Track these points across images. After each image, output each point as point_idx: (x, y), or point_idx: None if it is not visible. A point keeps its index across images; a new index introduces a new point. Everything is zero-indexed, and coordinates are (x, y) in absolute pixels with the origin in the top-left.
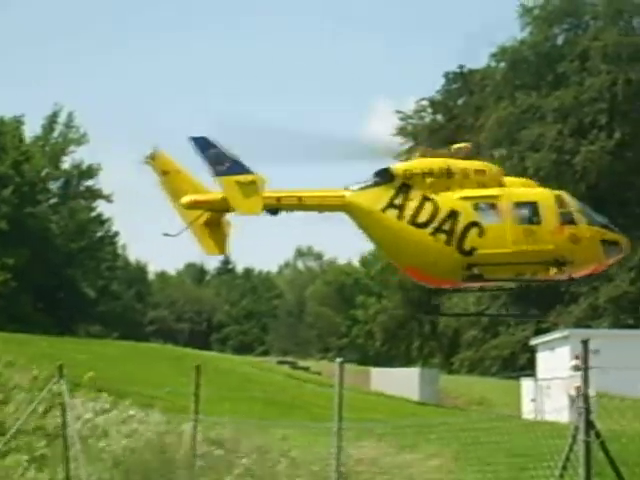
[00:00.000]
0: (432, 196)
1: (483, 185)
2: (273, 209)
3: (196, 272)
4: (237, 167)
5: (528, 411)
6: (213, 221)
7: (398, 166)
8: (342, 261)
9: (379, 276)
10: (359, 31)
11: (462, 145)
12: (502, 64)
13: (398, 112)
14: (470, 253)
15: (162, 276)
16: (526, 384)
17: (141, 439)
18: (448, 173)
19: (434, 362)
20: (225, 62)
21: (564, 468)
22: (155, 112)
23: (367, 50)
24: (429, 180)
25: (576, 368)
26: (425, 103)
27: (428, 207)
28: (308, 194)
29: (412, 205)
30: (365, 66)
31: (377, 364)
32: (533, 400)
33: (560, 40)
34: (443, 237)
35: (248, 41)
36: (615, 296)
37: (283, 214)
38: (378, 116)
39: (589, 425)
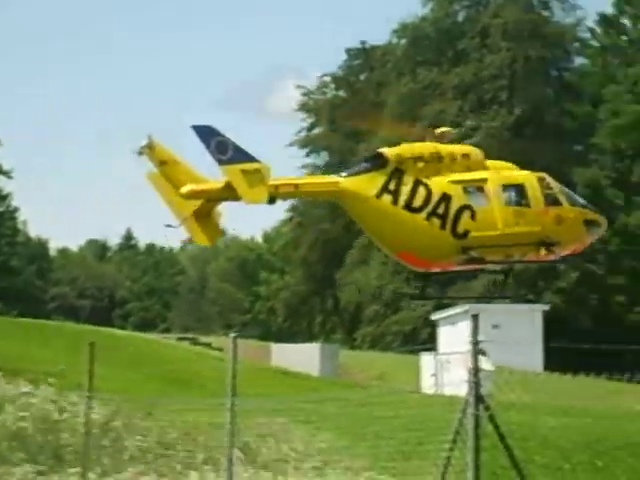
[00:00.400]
0: (424, 180)
1: (469, 169)
2: (271, 197)
3: (98, 248)
4: (241, 155)
5: (428, 386)
6: (205, 211)
7: (390, 151)
8: (245, 237)
9: (282, 252)
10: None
11: (445, 130)
12: (403, 40)
13: (300, 87)
14: (464, 236)
15: (63, 252)
16: (426, 359)
17: (33, 415)
18: (438, 157)
19: (336, 338)
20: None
21: (454, 441)
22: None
23: (269, 27)
24: (420, 165)
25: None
26: (327, 79)
27: (421, 191)
28: (304, 181)
29: (406, 190)
30: (267, 44)
31: (280, 340)
32: (433, 375)
33: (461, 17)
34: (437, 221)
35: None
36: (516, 271)
37: None
38: (281, 93)
39: (478, 398)
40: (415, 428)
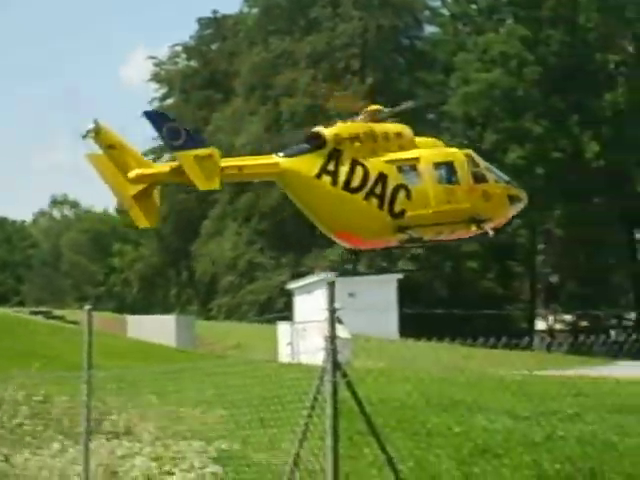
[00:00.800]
0: (361, 160)
1: (402, 147)
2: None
3: None
4: (193, 141)
5: (285, 354)
6: (147, 194)
7: (329, 131)
8: (98, 209)
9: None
10: None
11: (375, 107)
12: (255, 9)
13: (151, 58)
14: (400, 215)
15: None
16: (282, 328)
17: None
18: (373, 137)
19: (192, 309)
20: None
21: (312, 408)
22: None
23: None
24: (357, 144)
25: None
26: (179, 49)
27: (359, 172)
28: (247, 163)
29: (344, 170)
30: (119, 16)
31: (135, 312)
32: (289, 343)
33: None
34: (375, 201)
35: None
36: None
37: None
38: (135, 64)
39: (336, 365)
40: (272, 396)
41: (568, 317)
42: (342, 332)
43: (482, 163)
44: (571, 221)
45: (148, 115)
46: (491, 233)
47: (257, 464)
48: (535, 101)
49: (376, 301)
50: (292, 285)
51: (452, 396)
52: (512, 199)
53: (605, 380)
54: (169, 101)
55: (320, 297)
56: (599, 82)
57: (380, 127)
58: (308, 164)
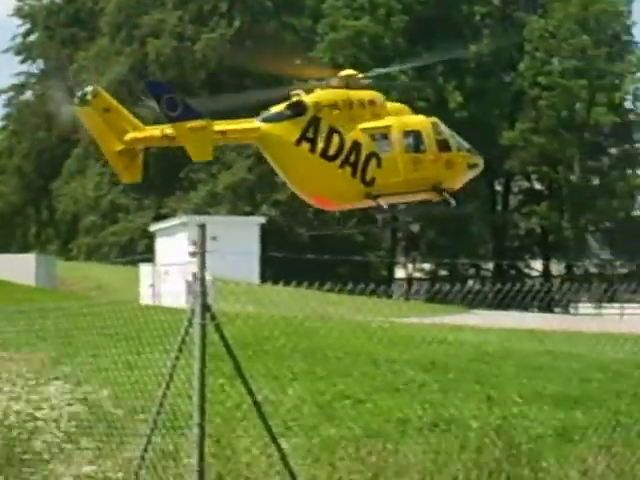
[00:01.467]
0: (338, 128)
1: (375, 114)
2: None
3: None
4: (189, 112)
5: (146, 296)
6: (134, 152)
7: (309, 99)
8: None
9: None
10: None
11: (351, 72)
12: None
13: None
14: (371, 183)
15: None
16: (145, 270)
17: None
18: (349, 104)
19: (52, 249)
20: None
21: (180, 350)
22: None
23: None
24: (335, 112)
25: (193, 254)
26: None
27: (335, 140)
28: (229, 127)
29: (322, 137)
30: None
31: None
32: (151, 285)
33: None
34: (349, 169)
35: None
36: (233, 183)
37: None
38: None
39: (205, 308)
40: (136, 337)
41: (427, 266)
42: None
43: (447, 132)
44: None
45: (148, 85)
46: (453, 203)
47: (123, 406)
48: (401, 50)
49: (239, 245)
50: (154, 227)
51: (316, 340)
52: (471, 166)
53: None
54: (32, 37)
55: (182, 240)
56: (464, 33)
57: (355, 94)
58: (288, 131)
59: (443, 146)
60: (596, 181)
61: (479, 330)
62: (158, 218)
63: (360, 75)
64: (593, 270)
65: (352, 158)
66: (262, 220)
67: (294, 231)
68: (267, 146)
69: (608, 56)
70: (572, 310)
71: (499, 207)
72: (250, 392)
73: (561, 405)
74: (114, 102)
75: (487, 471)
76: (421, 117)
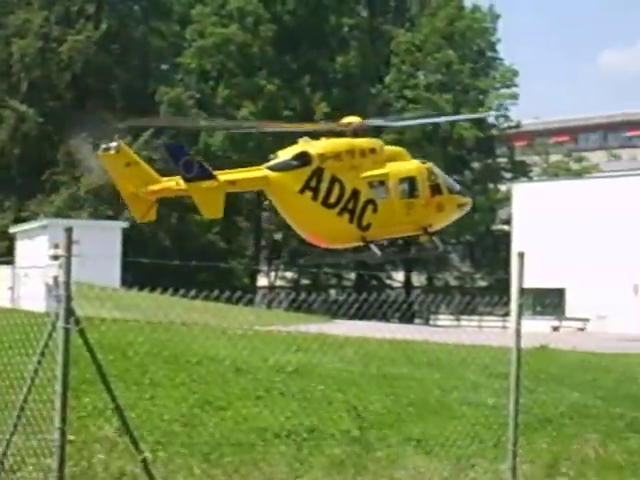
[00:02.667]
0: (340, 177)
1: (375, 162)
2: None
3: None
4: (204, 173)
5: (5, 299)
6: (149, 200)
7: (314, 150)
8: None
9: None
10: None
11: (352, 119)
12: None
13: None
14: (367, 228)
15: None
16: (3, 272)
17: None
18: (352, 154)
19: None
20: None
21: (42, 354)
22: None
23: None
24: (338, 163)
25: (55, 257)
26: None
27: (336, 189)
28: (239, 177)
29: (324, 187)
30: None
31: None
32: (10, 288)
33: None
34: (347, 216)
35: None
36: (95, 187)
37: None
38: None
39: (69, 312)
40: None
41: (290, 274)
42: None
43: (440, 175)
44: None
45: (167, 147)
46: (441, 247)
47: None
48: (269, 59)
49: (100, 249)
50: (14, 229)
51: (178, 347)
52: (460, 206)
53: (326, 336)
54: None
55: (43, 243)
56: (332, 44)
57: (358, 144)
58: (294, 180)
59: (435, 190)
60: None
61: (342, 339)
62: (18, 220)
63: (361, 122)
64: (453, 283)
65: (350, 205)
66: (124, 224)
67: (157, 236)
68: (273, 193)
69: (473, 71)
70: (432, 321)
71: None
72: (112, 398)
73: (421, 415)
74: (135, 157)
75: None
76: (417, 163)
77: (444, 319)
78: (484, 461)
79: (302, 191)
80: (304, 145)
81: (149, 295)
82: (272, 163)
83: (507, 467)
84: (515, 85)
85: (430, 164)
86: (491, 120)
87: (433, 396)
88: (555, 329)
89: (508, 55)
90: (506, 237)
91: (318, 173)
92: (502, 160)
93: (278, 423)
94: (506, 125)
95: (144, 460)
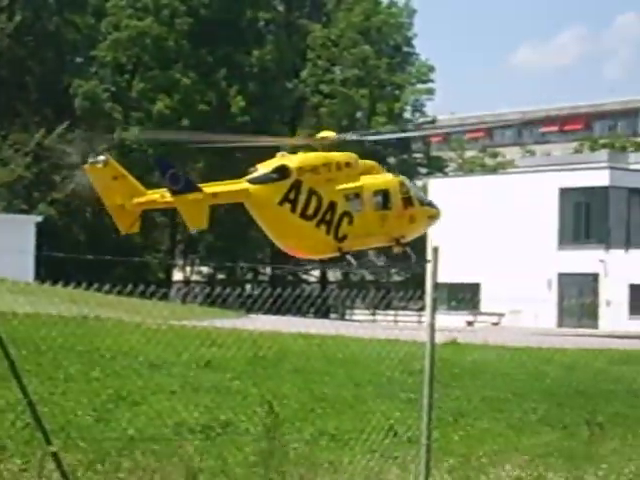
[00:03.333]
0: (317, 189)
1: (349, 176)
2: None
3: None
4: (189, 186)
5: None
6: (133, 212)
7: (293, 164)
8: None
9: None
10: None
11: (327, 134)
12: None
13: None
14: (343, 239)
15: None
16: None
17: None
18: (329, 167)
19: None
20: None
21: None
22: None
23: None
24: (315, 176)
25: None
26: None
27: (314, 201)
28: (220, 190)
29: (302, 199)
30: None
31: None
32: None
33: None
34: (324, 227)
35: None
36: (9, 180)
37: None
38: None
39: None
40: None
41: (205, 269)
42: None
43: (412, 189)
44: (214, 175)
45: (157, 161)
46: (413, 257)
47: None
48: (185, 52)
49: (12, 243)
50: None
51: (93, 341)
52: (430, 218)
53: (240, 331)
54: None
55: None
56: (248, 38)
57: (334, 157)
58: (273, 192)
59: (407, 202)
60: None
61: (257, 333)
62: None
63: (335, 136)
64: (369, 277)
65: (328, 217)
66: (38, 218)
67: (71, 230)
68: (253, 205)
69: (389, 67)
70: (348, 316)
71: None
72: (25, 393)
73: (336, 410)
74: (122, 171)
75: (263, 475)
76: (390, 176)
77: (360, 314)
78: (398, 455)
79: (281, 203)
80: (283, 159)
81: (63, 289)
82: (252, 176)
83: (421, 461)
84: (431, 80)
85: (402, 177)
86: (407, 115)
87: (347, 391)
88: (470, 324)
89: (424, 51)
90: None
91: (296, 186)
92: (418, 155)
93: (192, 418)
94: (422, 120)
95: (55, 455)
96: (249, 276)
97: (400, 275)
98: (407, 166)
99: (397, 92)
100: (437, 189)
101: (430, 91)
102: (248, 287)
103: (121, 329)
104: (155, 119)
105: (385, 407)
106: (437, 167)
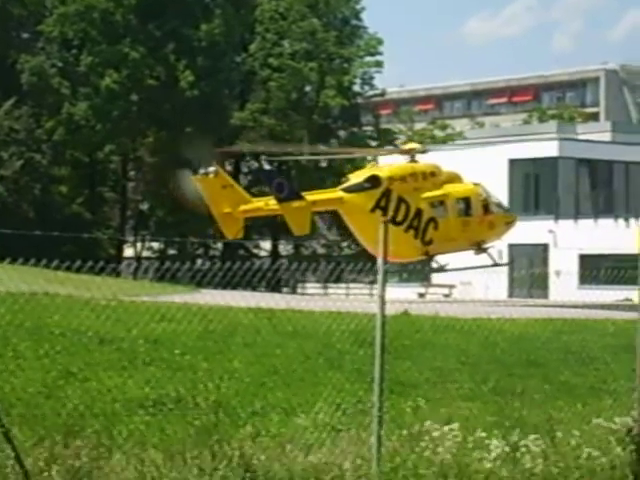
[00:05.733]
0: (405, 197)
1: (434, 184)
2: None
3: None
4: (293, 194)
5: None
6: (234, 215)
7: (383, 174)
8: None
9: None
10: None
11: (414, 146)
12: None
13: None
14: (429, 243)
15: None
16: None
17: None
18: (415, 177)
19: None
20: None
21: None
22: None
23: None
24: (403, 185)
25: None
26: None
27: (403, 208)
28: (319, 198)
29: (392, 206)
30: None
31: None
32: None
33: None
34: (412, 232)
35: None
36: None
37: None
38: None
39: None
40: None
41: (156, 245)
42: None
43: (490, 196)
44: (163, 149)
45: (262, 173)
46: (498, 262)
47: None
48: (132, 27)
49: None
50: None
51: (41, 318)
52: (507, 224)
53: (190, 306)
54: None
55: None
56: (196, 12)
57: (420, 168)
58: (366, 200)
59: (487, 209)
60: (324, 163)
61: (207, 308)
62: None
63: (421, 148)
64: (321, 251)
65: (415, 223)
66: None
67: (20, 207)
68: (348, 212)
69: (337, 40)
70: (299, 290)
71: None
72: None
73: (287, 383)
74: (231, 180)
75: (215, 449)
76: (470, 185)
77: (311, 287)
78: (350, 427)
79: (373, 210)
80: (374, 169)
81: (11, 266)
82: (346, 185)
83: (373, 433)
84: (379, 53)
85: (481, 185)
86: (357, 88)
87: (298, 364)
88: (421, 296)
89: (372, 23)
90: None
91: (387, 194)
92: (368, 128)
93: (143, 393)
94: (371, 93)
95: (6, 433)
96: (200, 251)
97: (351, 249)
98: (357, 139)
99: (346, 65)
100: (387, 162)
101: (379, 64)
102: (199, 262)
103: (70, 305)
104: (103, 94)
105: (336, 379)
106: (387, 140)
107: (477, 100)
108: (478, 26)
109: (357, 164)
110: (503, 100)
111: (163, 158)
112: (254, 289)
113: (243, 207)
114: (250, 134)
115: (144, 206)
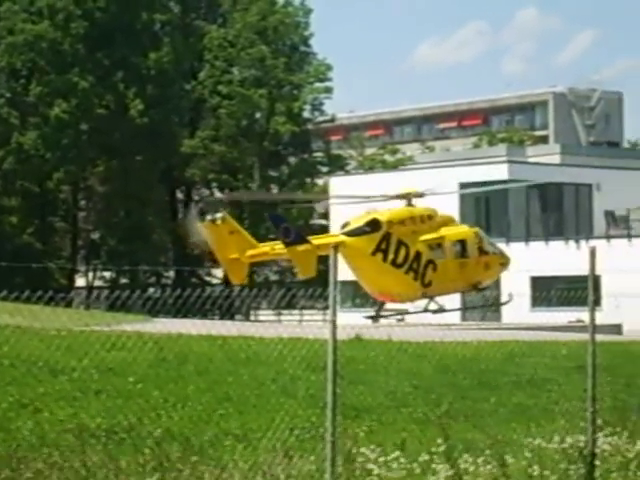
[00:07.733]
0: (405, 240)
1: (431, 227)
2: None
3: None
4: (299, 238)
5: None
6: (240, 261)
7: (383, 218)
8: None
9: None
10: None
11: (413, 191)
12: None
13: None
14: (428, 285)
15: None
16: None
17: None
18: (413, 220)
19: None
20: None
21: None
22: None
23: None
24: (403, 228)
25: None
26: None
27: (402, 251)
28: (322, 242)
29: (392, 249)
30: None
31: None
32: None
33: None
34: (412, 274)
35: None
36: None
37: None
38: None
39: None
40: None
41: (108, 274)
42: None
43: (485, 238)
44: (113, 178)
45: (271, 217)
46: (491, 301)
47: None
48: (81, 56)
49: None
50: None
51: None
52: (502, 264)
53: (142, 334)
54: None
55: None
56: (144, 41)
57: (418, 212)
58: (366, 243)
59: (482, 251)
60: (275, 189)
61: (158, 336)
62: None
63: (419, 192)
64: (273, 277)
65: (415, 265)
66: None
67: None
68: (349, 255)
69: (287, 66)
70: (253, 317)
71: (180, 215)
72: None
73: (239, 410)
74: (237, 226)
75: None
76: (466, 228)
77: (265, 314)
78: (303, 453)
79: (374, 253)
80: (373, 213)
81: None
82: (347, 229)
83: (327, 458)
84: (329, 79)
85: (477, 229)
86: (307, 114)
87: (251, 390)
88: (374, 319)
89: (321, 49)
90: (324, 231)
91: (387, 237)
92: (318, 154)
93: (95, 423)
94: (321, 119)
95: None
96: (152, 280)
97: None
98: (307, 165)
99: (295, 91)
100: (338, 187)
101: (328, 90)
102: (151, 290)
103: (18, 337)
104: (53, 124)
105: (288, 405)
106: (338, 165)
107: (427, 125)
108: (428, 51)
109: (306, 189)
110: (453, 124)
111: (114, 187)
112: (206, 317)
113: (250, 252)
114: (201, 162)
115: (95, 235)
